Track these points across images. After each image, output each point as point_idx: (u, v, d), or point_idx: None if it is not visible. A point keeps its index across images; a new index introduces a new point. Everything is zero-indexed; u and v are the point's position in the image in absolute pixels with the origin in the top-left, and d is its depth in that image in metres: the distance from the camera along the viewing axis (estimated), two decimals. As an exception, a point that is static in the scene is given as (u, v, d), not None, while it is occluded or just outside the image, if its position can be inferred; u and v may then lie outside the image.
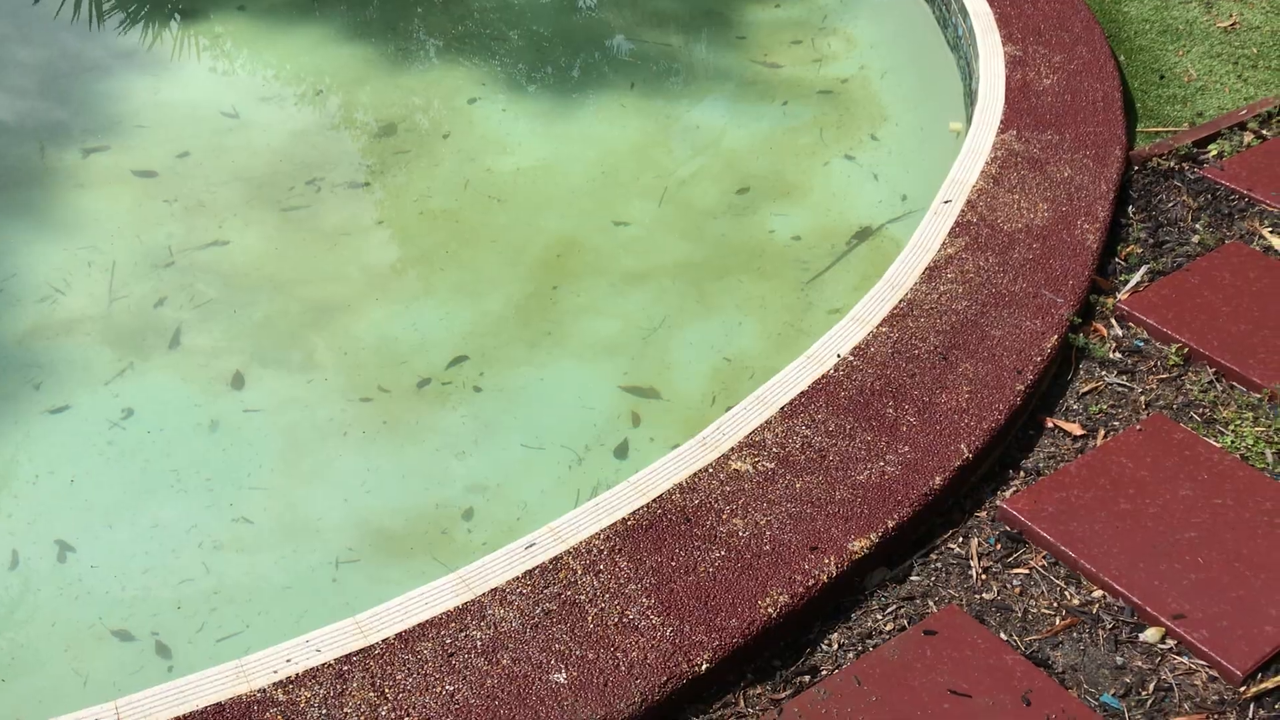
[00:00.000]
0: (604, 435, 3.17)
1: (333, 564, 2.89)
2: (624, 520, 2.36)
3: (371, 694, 2.05)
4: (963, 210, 3.20)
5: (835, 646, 2.24)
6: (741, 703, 2.13)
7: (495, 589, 2.23)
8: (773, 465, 2.49)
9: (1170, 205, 3.34)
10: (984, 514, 2.51)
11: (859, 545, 2.32)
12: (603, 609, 2.19)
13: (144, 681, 2.66)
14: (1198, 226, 3.25)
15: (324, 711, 2.02)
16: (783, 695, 2.14)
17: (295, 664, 2.11)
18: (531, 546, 2.32)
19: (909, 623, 2.27)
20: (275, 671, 2.09)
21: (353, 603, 2.81)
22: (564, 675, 2.08)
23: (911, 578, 2.37)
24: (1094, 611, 2.29)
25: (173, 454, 3.11)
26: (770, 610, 2.19)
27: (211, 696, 2.05)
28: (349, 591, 2.84)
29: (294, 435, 3.16)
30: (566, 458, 3.11)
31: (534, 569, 2.27)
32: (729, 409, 2.71)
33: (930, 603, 2.32)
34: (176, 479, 3.06)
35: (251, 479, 3.07)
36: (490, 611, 2.19)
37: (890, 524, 2.36)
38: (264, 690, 2.06)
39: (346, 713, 2.02)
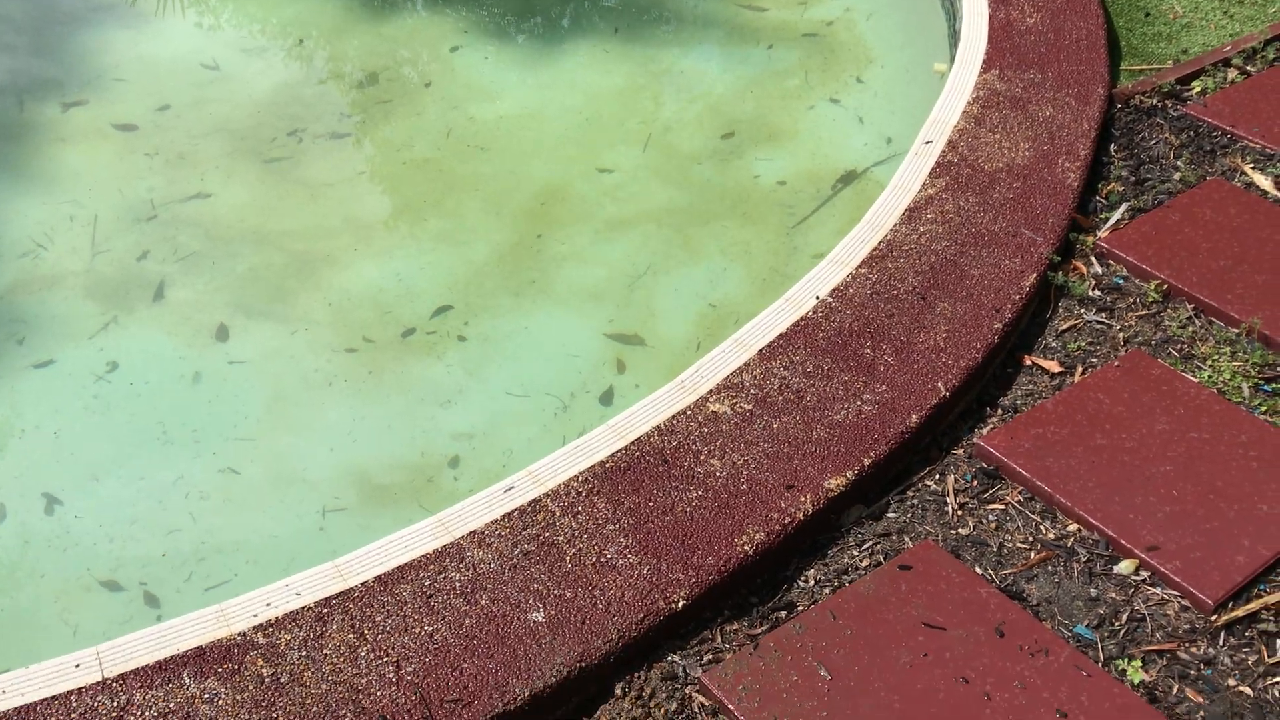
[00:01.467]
0: (589, 382, 3.17)
1: (320, 513, 2.91)
2: (602, 463, 2.38)
3: (351, 635, 2.08)
4: (944, 151, 3.19)
5: (812, 583, 2.26)
6: (718, 638, 2.15)
7: (474, 532, 2.25)
8: (750, 407, 2.50)
9: (1152, 143, 3.33)
10: (961, 451, 2.53)
11: (835, 483, 2.33)
12: (580, 549, 2.21)
13: (131, 629, 2.69)
14: (1179, 164, 3.24)
15: (304, 653, 2.05)
16: (759, 630, 2.16)
17: (275, 607, 2.13)
18: (510, 490, 2.33)
19: (885, 558, 2.29)
20: (255, 615, 2.12)
21: (340, 550, 2.81)
22: (542, 614, 2.10)
23: (888, 515, 2.39)
24: (1069, 545, 2.31)
25: (158, 407, 3.13)
26: (747, 548, 2.21)
27: (192, 640, 2.07)
28: (336, 539, 2.86)
29: (279, 386, 3.17)
30: (552, 405, 3.12)
31: (512, 511, 2.29)
32: (711, 350, 2.72)
33: (906, 539, 2.33)
34: (162, 431, 3.07)
35: (237, 430, 3.08)
36: (469, 554, 2.21)
37: (866, 462, 2.38)
38: (244, 634, 2.08)
39: (326, 654, 2.05)
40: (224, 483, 3.00)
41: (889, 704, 2.00)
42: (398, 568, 2.19)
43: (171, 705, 1.97)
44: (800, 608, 2.21)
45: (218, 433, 3.07)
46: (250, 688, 2.00)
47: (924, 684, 2.03)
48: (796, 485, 2.32)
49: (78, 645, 2.67)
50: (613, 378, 3.20)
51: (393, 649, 2.06)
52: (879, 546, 2.32)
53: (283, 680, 2.01)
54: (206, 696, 1.98)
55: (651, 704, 2.05)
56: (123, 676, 2.02)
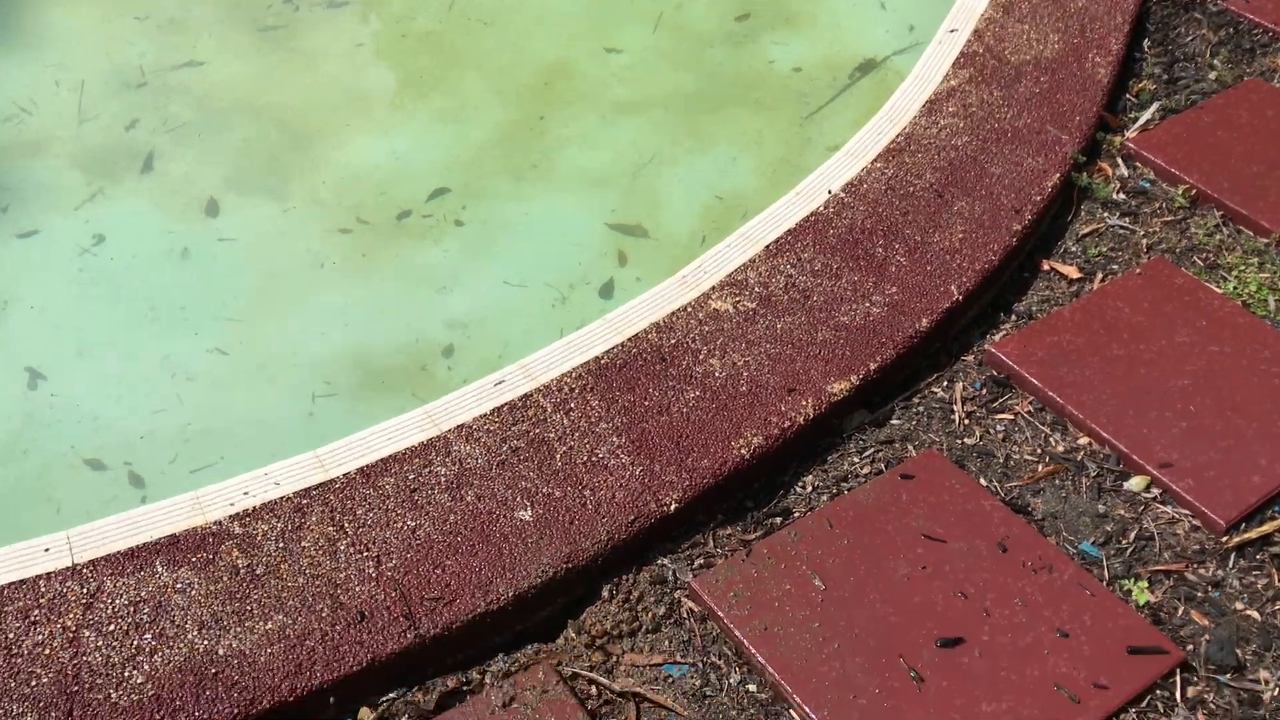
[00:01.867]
0: (589, 274, 3.07)
1: (309, 398, 2.83)
2: (597, 359, 2.29)
3: (330, 528, 2.01)
4: (969, 40, 3.03)
5: (809, 489, 2.18)
6: (710, 543, 2.09)
7: (462, 425, 2.17)
8: (754, 305, 2.40)
9: (1188, 39, 3.16)
10: (971, 358, 2.43)
11: (838, 388, 2.24)
12: (572, 447, 2.13)
13: (115, 508, 2.64)
14: (1216, 62, 3.08)
15: (281, 545, 1.98)
16: (753, 536, 2.09)
17: (253, 496, 2.06)
18: (500, 384, 2.25)
19: (886, 466, 2.21)
20: (232, 504, 2.05)
21: (329, 437, 2.75)
22: (529, 513, 2.03)
23: (892, 421, 2.31)
24: (1078, 459, 2.23)
25: (145, 282, 3.03)
26: (743, 452, 2.13)
27: (166, 528, 2.01)
28: (325, 426, 2.79)
29: (271, 266, 3.08)
30: (550, 296, 3.03)
31: (502, 406, 2.20)
32: (716, 245, 2.60)
33: (910, 447, 2.25)
34: (149, 308, 2.99)
35: (226, 310, 2.99)
36: (456, 448, 2.13)
37: (872, 366, 2.28)
38: (220, 523, 2.01)
39: (304, 546, 1.98)
40: (212, 364, 2.92)
41: (884, 616, 1.94)
42: (381, 460, 2.12)
43: (143, 594, 1.91)
44: (796, 514, 2.14)
45: (206, 312, 2.98)
46: (225, 578, 1.94)
47: (921, 597, 1.97)
48: (798, 389, 2.23)
49: (60, 523, 2.62)
50: (614, 270, 3.09)
51: (373, 543, 1.99)
52: (881, 454, 2.24)
53: (258, 572, 1.95)
54: (179, 586, 1.92)
55: (639, 608, 1.98)
56: (93, 563, 1.96)
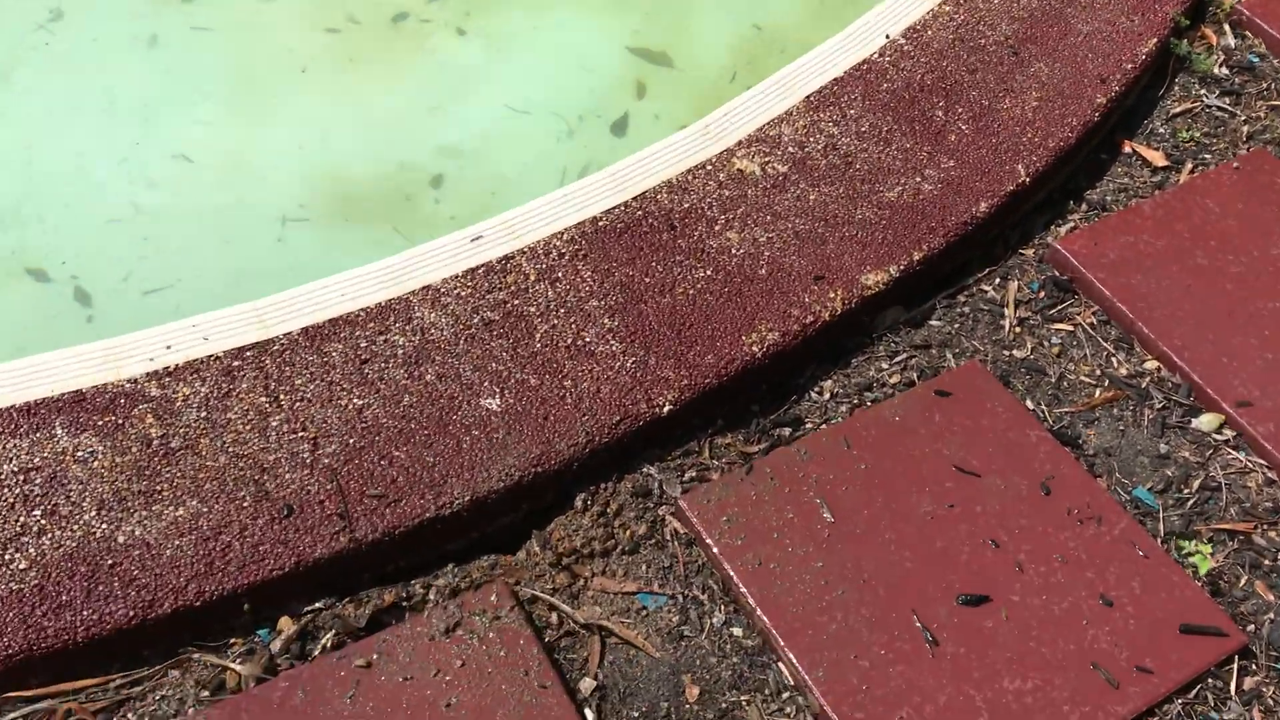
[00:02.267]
0: (602, 104, 2.70)
1: (279, 220, 2.52)
2: (595, 219, 1.94)
3: (263, 399, 1.71)
4: None
5: (827, 396, 1.87)
6: (706, 452, 1.79)
7: (428, 287, 1.85)
8: (785, 168, 2.04)
9: (1326, -113, 2.69)
10: (1031, 252, 2.09)
11: (874, 279, 1.90)
12: (555, 326, 1.81)
13: (59, 330, 2.37)
14: (1356, -82, 2.62)
15: (203, 414, 1.69)
16: (755, 449, 1.79)
17: (176, 352, 1.75)
18: (479, 239, 1.91)
19: (919, 377, 1.89)
20: (151, 359, 1.74)
21: (297, 268, 2.46)
22: (498, 401, 1.73)
23: (931, 323, 1.98)
24: (1143, 385, 1.91)
25: (105, 70, 2.69)
26: (755, 349, 1.81)
27: (71, 381, 1.71)
28: (294, 253, 2.49)
29: (247, 63, 2.72)
30: (556, 127, 2.66)
31: (478, 267, 1.88)
32: (748, 89, 2.23)
33: (949, 355, 1.93)
34: (109, 100, 2.64)
35: (195, 110, 2.65)
36: (419, 314, 1.82)
37: (916, 257, 1.94)
38: (135, 381, 1.72)
39: (230, 418, 1.69)
40: (175, 171, 2.60)
41: (899, 561, 1.65)
42: (330, 321, 1.80)
43: (36, 460, 1.63)
44: (809, 425, 1.83)
45: (173, 110, 2.65)
46: (134, 449, 1.65)
47: (945, 541, 1.68)
48: (827, 276, 1.90)
49: None
50: (630, 102, 2.71)
51: (311, 422, 1.69)
52: (914, 361, 1.92)
53: (174, 445, 1.66)
54: (80, 454, 1.64)
55: (616, 523, 1.70)
56: (-17, 417, 1.67)
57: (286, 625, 1.59)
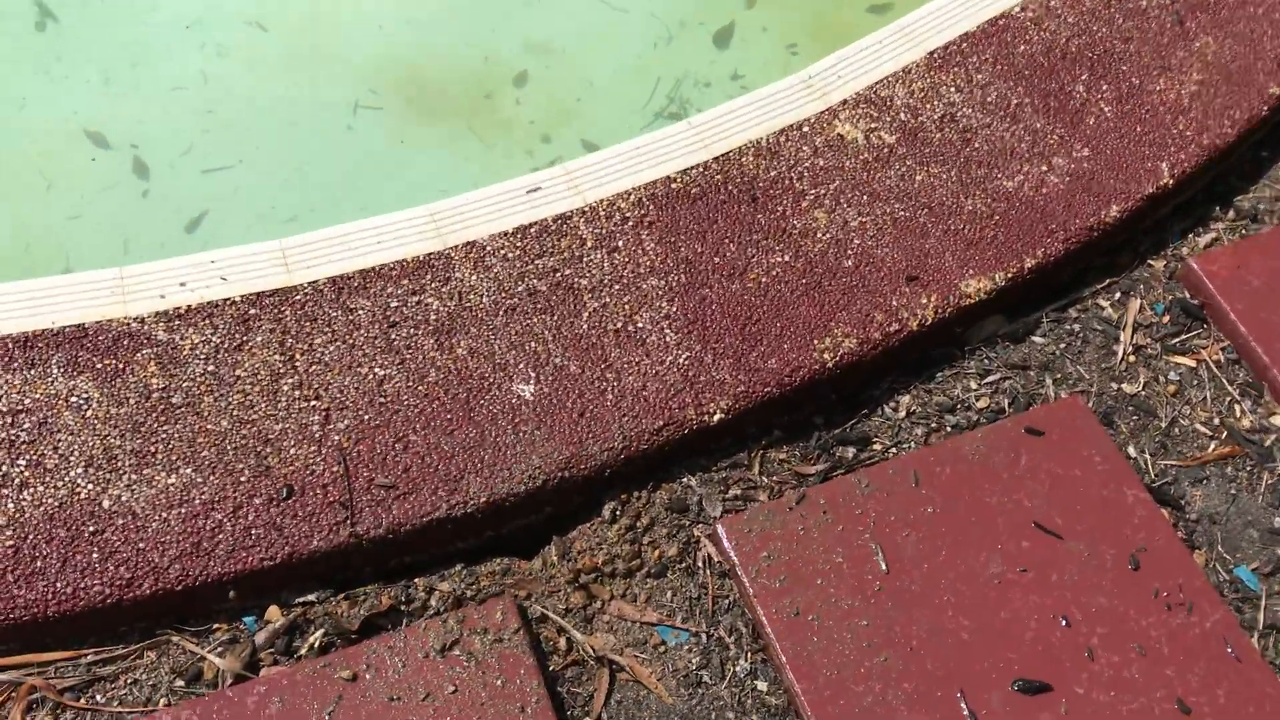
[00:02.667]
0: (707, 10, 2.46)
1: (351, 107, 2.35)
2: (668, 180, 1.72)
3: (277, 357, 1.55)
4: None
5: (903, 414, 1.67)
6: (756, 467, 1.60)
7: (473, 243, 1.66)
8: (893, 139, 1.79)
9: None
10: (1161, 265, 1.83)
11: (976, 287, 1.67)
12: (605, 305, 1.62)
13: (115, 202, 2.26)
14: None
15: (210, 368, 1.54)
16: (812, 470, 1.60)
17: (191, 290, 1.60)
18: (535, 191, 1.71)
19: (1010, 404, 1.67)
20: (163, 296, 1.59)
21: (363, 162, 2.31)
22: (531, 388, 1.55)
23: (1034, 338, 1.74)
24: (1266, 444, 1.67)
25: (186, -77, 2.50)
26: (827, 357, 1.60)
27: (75, 312, 1.57)
28: (362, 144, 2.34)
29: (332, -71, 2.51)
30: (653, 30, 2.43)
31: (530, 226, 1.68)
32: (862, 39, 1.96)
33: (1048, 380, 1.70)
34: (183, -43, 2.47)
35: (276, -27, 2.47)
36: (459, 274, 1.63)
37: (1028, 264, 1.70)
38: (143, 320, 1.57)
39: (239, 376, 1.53)
40: (247, 40, 2.44)
41: (954, 630, 1.47)
42: (361, 272, 1.63)
43: (27, 401, 1.50)
44: (876, 447, 1.63)
45: (251, -29, 2.47)
46: (132, 400, 1.51)
47: (1010, 612, 1.49)
48: (921, 277, 1.67)
49: (50, 203, 2.25)
50: (738, 11, 2.46)
51: (326, 390, 1.54)
52: (1008, 384, 1.69)
53: (175, 401, 1.51)
54: (75, 400, 1.50)
55: (645, 540, 1.54)
56: (-23, 345, 1.54)
57: (275, 616, 1.46)
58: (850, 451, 1.62)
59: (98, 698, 1.40)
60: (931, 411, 1.66)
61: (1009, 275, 1.69)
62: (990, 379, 1.70)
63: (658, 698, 1.44)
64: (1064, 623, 1.49)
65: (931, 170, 1.76)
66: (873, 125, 1.80)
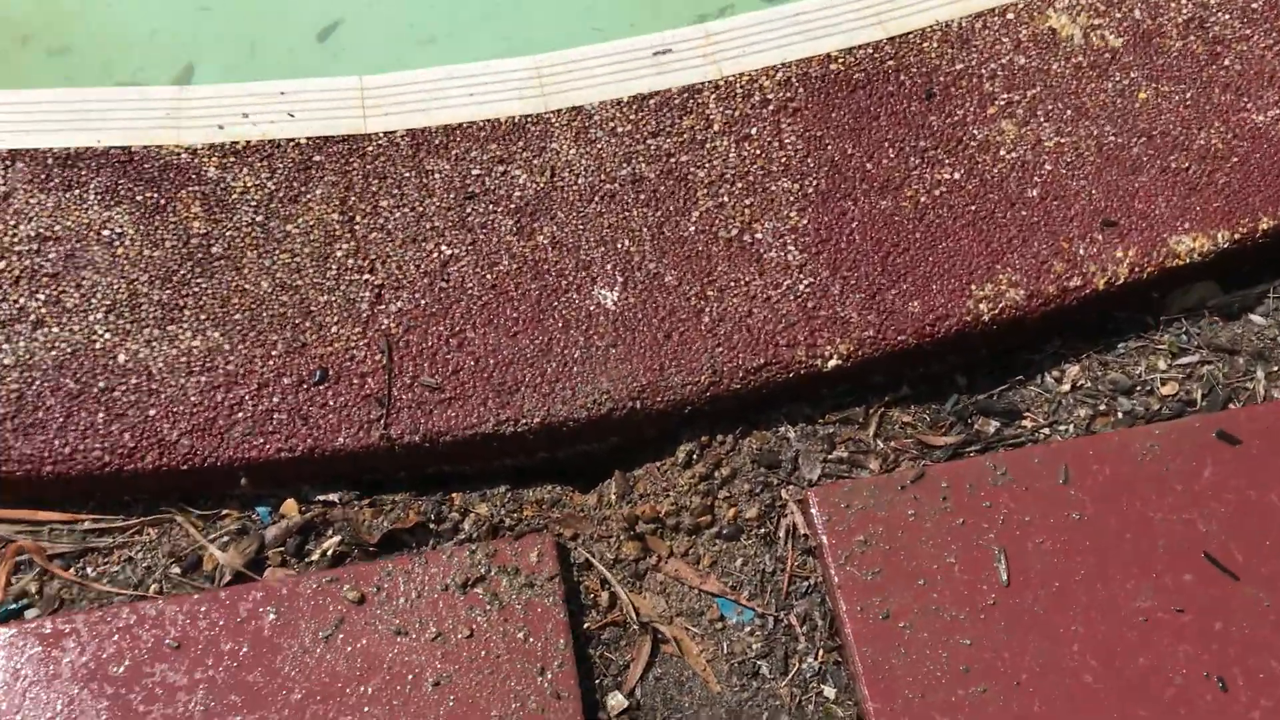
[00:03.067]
0: None
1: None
2: (827, 59, 1.41)
3: (335, 216, 1.34)
4: None
5: (1067, 387, 1.36)
6: (873, 426, 1.33)
7: (579, 109, 1.39)
8: (1119, 41, 1.43)
9: None
10: None
11: (1190, 246, 1.33)
12: (721, 205, 1.34)
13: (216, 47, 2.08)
14: None
15: (260, 218, 1.34)
16: (940, 442, 1.32)
17: (253, 124, 1.39)
18: (664, 54, 1.42)
19: (1202, 397, 1.35)
20: (221, 127, 1.39)
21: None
22: (615, 295, 1.31)
23: (1252, 317, 1.40)
24: None
25: None
26: (983, 308, 1.30)
27: (123, 134, 1.38)
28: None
29: None
30: None
31: (649, 96, 1.40)
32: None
33: (1259, 373, 1.36)
34: None
35: None
36: (555, 145, 1.38)
37: (1265, 225, 1.34)
38: (195, 151, 1.37)
39: (290, 232, 1.33)
40: None
41: (1077, 669, 1.20)
42: (444, 128, 1.39)
43: (57, 228, 1.33)
44: (1025, 424, 1.34)
45: None
46: (169, 243, 1.33)
47: (1152, 659, 1.20)
48: (1122, 224, 1.34)
49: (154, 48, 2.09)
50: None
51: (383, 264, 1.32)
52: (1206, 370, 1.36)
53: (214, 251, 1.32)
54: (107, 234, 1.33)
55: (721, 494, 1.30)
56: (14, 152, 1.37)
57: (291, 511, 1.29)
58: (992, 425, 1.33)
59: (88, 570, 1.26)
60: (1103, 390, 1.35)
61: (1236, 236, 1.34)
62: (1185, 360, 1.37)
63: (703, 682, 1.23)
64: (1220, 685, 1.19)
65: (1161, 88, 1.40)
66: (1096, 21, 1.44)
